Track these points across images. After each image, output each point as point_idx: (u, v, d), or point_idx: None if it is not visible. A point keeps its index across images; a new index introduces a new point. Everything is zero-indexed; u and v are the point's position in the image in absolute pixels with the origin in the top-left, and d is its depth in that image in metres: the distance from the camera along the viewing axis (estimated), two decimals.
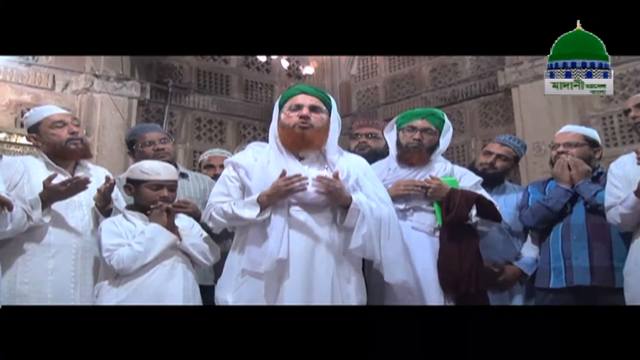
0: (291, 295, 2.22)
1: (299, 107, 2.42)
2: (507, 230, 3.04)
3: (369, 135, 3.21)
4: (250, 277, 2.29)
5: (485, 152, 3.21)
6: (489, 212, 2.65)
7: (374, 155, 3.00)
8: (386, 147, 3.17)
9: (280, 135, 2.45)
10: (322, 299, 2.23)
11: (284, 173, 2.27)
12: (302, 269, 2.24)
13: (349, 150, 3.26)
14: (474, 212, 2.61)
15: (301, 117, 2.39)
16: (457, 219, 2.58)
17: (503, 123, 5.98)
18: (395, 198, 2.60)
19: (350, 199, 2.31)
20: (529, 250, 3.03)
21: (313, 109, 2.42)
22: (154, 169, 2.55)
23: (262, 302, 2.25)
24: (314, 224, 2.31)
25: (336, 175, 2.31)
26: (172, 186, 2.56)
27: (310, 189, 2.30)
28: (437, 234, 2.64)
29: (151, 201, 2.50)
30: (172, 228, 2.48)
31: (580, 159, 2.85)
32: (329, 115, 2.47)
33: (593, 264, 2.75)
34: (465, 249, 2.57)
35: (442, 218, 2.63)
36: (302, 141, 2.41)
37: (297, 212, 2.31)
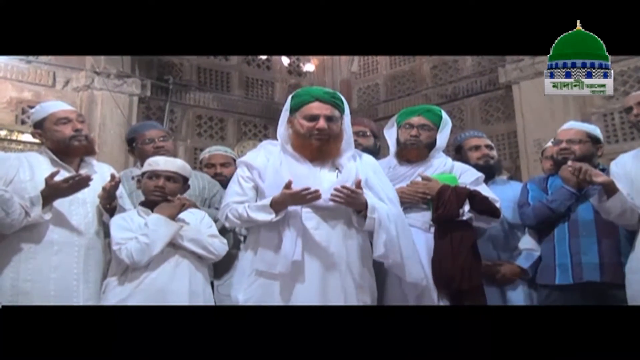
0: (305, 298, 2.23)
1: (314, 117, 2.40)
2: (505, 224, 3.03)
3: (359, 134, 3.20)
4: (263, 278, 2.31)
5: (472, 148, 3.18)
6: (484, 208, 2.63)
7: (366, 153, 3.01)
8: (375, 145, 3.19)
9: (294, 144, 2.44)
10: (335, 301, 2.25)
11: (289, 184, 2.26)
12: (317, 272, 2.26)
13: None
14: (466, 208, 2.59)
15: (318, 129, 2.38)
16: (446, 216, 2.58)
17: (504, 120, 5.98)
18: None
19: (366, 204, 2.31)
20: (527, 245, 3.02)
21: (329, 119, 2.40)
22: (156, 160, 2.61)
23: (273, 302, 2.26)
24: (327, 227, 2.33)
25: (358, 184, 2.31)
26: (170, 177, 2.56)
27: (326, 196, 2.29)
28: (433, 230, 2.63)
29: (148, 191, 2.56)
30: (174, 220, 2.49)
31: (590, 167, 2.71)
32: (342, 119, 2.47)
33: (603, 260, 2.75)
34: (459, 245, 2.55)
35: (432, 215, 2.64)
36: (318, 153, 2.41)
37: (310, 215, 2.32)
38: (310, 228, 2.30)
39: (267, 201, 2.31)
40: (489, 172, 3.07)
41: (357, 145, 3.15)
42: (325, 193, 2.30)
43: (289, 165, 2.40)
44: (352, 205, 2.32)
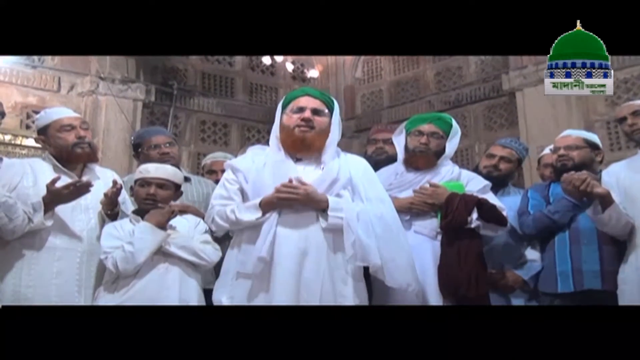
0: (280, 295, 2.21)
1: (301, 109, 2.42)
2: (511, 234, 3.00)
3: (386, 141, 3.20)
4: (242, 279, 2.30)
5: (488, 155, 3.19)
6: (492, 216, 2.61)
7: (391, 160, 2.99)
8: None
9: (281, 137, 2.45)
10: (310, 300, 2.21)
11: (289, 181, 2.29)
12: (291, 270, 2.23)
13: (366, 154, 3.27)
14: (474, 216, 2.58)
15: (303, 119, 2.40)
16: (455, 224, 2.56)
17: (507, 127, 5.98)
18: (401, 211, 2.58)
19: (327, 202, 2.31)
20: (532, 255, 3.00)
21: (315, 112, 2.42)
22: (146, 168, 2.60)
23: (251, 302, 2.25)
24: (305, 224, 2.31)
25: (298, 181, 2.30)
26: (161, 184, 2.55)
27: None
28: (440, 238, 2.62)
29: (139, 199, 2.55)
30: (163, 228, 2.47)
31: (592, 179, 2.69)
32: (331, 118, 2.47)
33: (604, 267, 2.74)
34: (465, 253, 2.54)
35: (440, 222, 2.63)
36: (301, 144, 2.41)
37: (287, 213, 2.31)
38: (287, 227, 2.29)
39: (256, 200, 2.32)
40: (498, 182, 3.07)
41: (383, 153, 3.18)
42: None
43: (273, 164, 2.41)
44: (304, 202, 2.30)
